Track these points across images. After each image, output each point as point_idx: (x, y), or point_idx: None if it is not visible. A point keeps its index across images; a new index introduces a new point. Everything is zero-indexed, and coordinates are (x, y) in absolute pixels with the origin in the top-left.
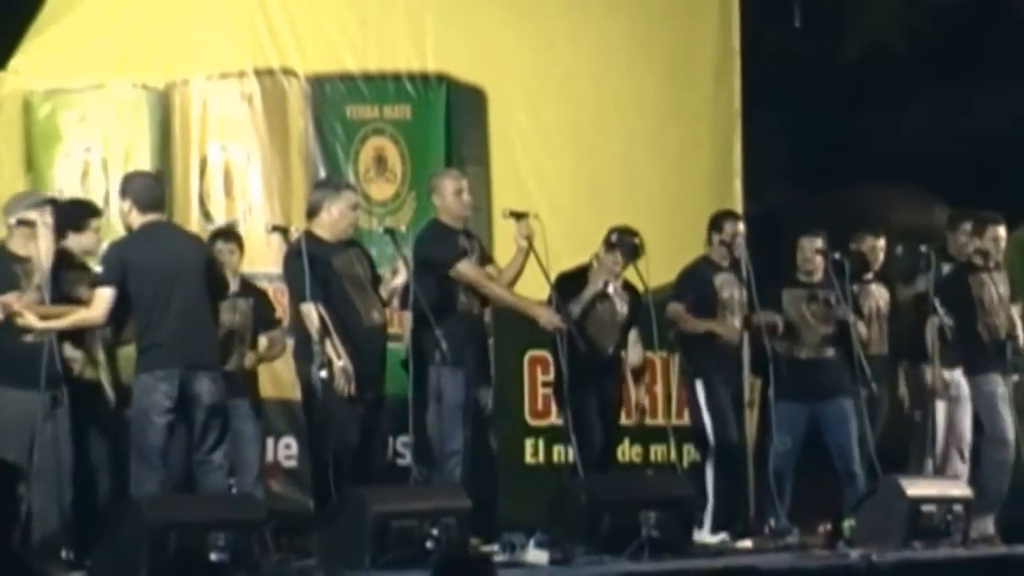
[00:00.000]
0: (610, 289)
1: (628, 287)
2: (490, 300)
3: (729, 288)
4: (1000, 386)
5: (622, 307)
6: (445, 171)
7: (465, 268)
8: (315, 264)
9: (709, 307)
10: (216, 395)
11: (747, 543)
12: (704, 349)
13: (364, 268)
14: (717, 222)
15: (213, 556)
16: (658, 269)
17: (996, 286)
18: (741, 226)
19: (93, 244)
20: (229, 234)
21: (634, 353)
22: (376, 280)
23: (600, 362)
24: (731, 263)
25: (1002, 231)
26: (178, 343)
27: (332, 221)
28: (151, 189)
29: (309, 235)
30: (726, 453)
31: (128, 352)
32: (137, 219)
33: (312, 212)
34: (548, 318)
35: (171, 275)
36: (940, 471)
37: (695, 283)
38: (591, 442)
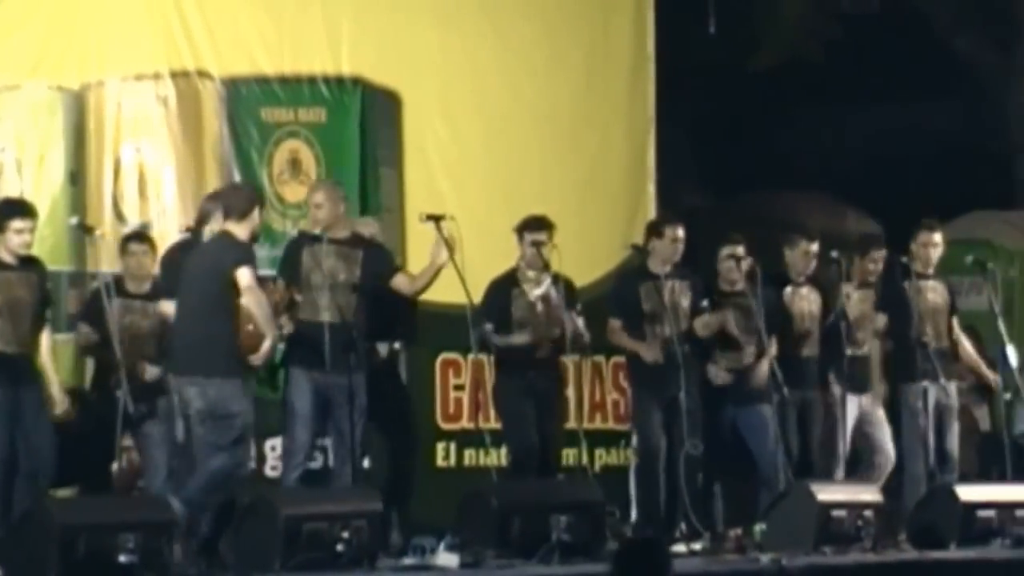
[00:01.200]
0: (544, 287)
1: (559, 281)
2: None
3: (652, 300)
4: (921, 398)
5: (559, 300)
6: (320, 181)
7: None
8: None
9: (635, 319)
10: (204, 402)
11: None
12: (637, 357)
13: None
14: (656, 227)
15: (122, 558)
16: (572, 273)
17: (931, 293)
18: (680, 232)
19: (17, 245)
20: (142, 236)
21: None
22: None
23: (538, 363)
24: (670, 271)
25: (937, 237)
26: (173, 350)
27: None
28: (224, 197)
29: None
30: (647, 462)
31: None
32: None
33: (201, 221)
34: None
35: (186, 284)
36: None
37: (622, 294)
38: (528, 446)
